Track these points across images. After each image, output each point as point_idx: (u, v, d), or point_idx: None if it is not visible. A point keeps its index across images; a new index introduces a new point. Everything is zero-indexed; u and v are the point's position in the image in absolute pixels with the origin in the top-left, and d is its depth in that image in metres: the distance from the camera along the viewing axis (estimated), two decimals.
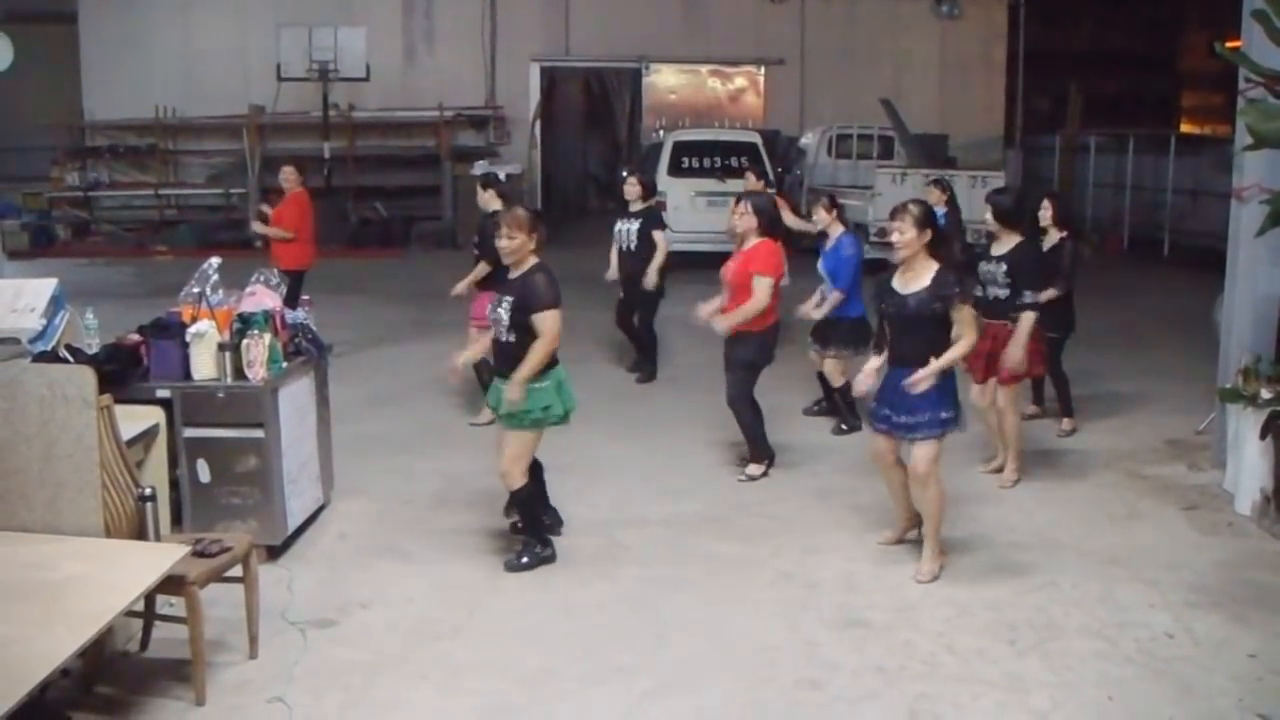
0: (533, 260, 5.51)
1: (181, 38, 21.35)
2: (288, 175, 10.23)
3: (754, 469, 7.11)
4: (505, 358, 5.50)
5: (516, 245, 5.46)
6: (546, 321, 5.39)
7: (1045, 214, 7.79)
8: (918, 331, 5.43)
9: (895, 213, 5.47)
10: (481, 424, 7.90)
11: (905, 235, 5.38)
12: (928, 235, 5.40)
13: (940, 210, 8.72)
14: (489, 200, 8.37)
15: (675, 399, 7.53)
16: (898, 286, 5.48)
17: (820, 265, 8.00)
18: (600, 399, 8.52)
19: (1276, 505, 6.22)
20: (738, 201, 7.19)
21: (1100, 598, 5.37)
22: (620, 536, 6.14)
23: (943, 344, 5.43)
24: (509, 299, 5.46)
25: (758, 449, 7.12)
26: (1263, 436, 6.26)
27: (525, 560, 5.66)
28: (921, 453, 5.45)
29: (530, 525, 5.79)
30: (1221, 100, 25.25)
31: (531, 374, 5.39)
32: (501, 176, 11.47)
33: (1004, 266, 6.79)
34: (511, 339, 5.45)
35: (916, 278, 5.42)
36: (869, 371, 5.69)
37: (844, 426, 8.03)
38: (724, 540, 6.11)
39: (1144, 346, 11.28)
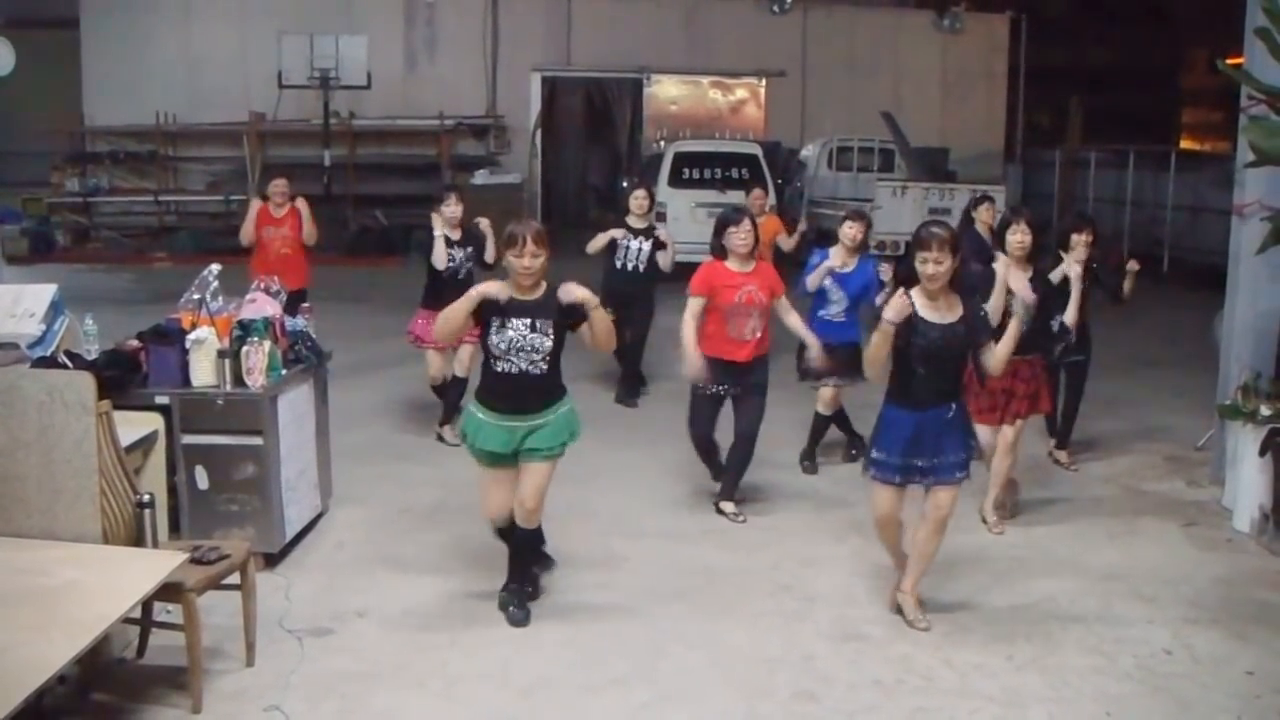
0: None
1: (182, 44, 21.36)
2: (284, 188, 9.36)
3: (733, 506, 6.64)
4: (539, 390, 4.99)
5: (543, 263, 4.91)
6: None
7: (1087, 238, 7.12)
8: (949, 365, 4.98)
9: (928, 240, 4.80)
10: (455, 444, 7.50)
11: (944, 265, 4.79)
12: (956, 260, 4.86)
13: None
14: (455, 211, 7.91)
15: (672, 411, 7.53)
16: (929, 317, 4.88)
17: (842, 286, 7.35)
18: (598, 410, 8.52)
19: (1275, 522, 6.23)
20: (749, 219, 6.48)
21: (1098, 613, 5.38)
22: (618, 547, 6.14)
23: (961, 380, 5.11)
24: (549, 322, 4.90)
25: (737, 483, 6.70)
26: (1262, 453, 6.26)
27: (525, 610, 5.20)
28: (948, 497, 5.04)
29: (530, 564, 5.39)
30: (1222, 117, 25.34)
31: None
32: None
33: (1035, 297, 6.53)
34: (545, 368, 4.95)
35: (949, 308, 4.91)
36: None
37: (854, 451, 7.55)
38: (722, 552, 6.11)
39: (1143, 363, 11.27)
